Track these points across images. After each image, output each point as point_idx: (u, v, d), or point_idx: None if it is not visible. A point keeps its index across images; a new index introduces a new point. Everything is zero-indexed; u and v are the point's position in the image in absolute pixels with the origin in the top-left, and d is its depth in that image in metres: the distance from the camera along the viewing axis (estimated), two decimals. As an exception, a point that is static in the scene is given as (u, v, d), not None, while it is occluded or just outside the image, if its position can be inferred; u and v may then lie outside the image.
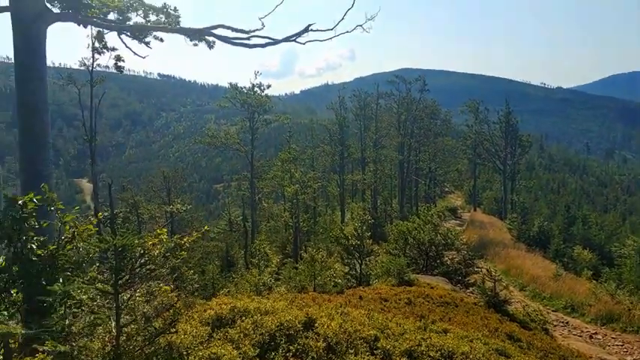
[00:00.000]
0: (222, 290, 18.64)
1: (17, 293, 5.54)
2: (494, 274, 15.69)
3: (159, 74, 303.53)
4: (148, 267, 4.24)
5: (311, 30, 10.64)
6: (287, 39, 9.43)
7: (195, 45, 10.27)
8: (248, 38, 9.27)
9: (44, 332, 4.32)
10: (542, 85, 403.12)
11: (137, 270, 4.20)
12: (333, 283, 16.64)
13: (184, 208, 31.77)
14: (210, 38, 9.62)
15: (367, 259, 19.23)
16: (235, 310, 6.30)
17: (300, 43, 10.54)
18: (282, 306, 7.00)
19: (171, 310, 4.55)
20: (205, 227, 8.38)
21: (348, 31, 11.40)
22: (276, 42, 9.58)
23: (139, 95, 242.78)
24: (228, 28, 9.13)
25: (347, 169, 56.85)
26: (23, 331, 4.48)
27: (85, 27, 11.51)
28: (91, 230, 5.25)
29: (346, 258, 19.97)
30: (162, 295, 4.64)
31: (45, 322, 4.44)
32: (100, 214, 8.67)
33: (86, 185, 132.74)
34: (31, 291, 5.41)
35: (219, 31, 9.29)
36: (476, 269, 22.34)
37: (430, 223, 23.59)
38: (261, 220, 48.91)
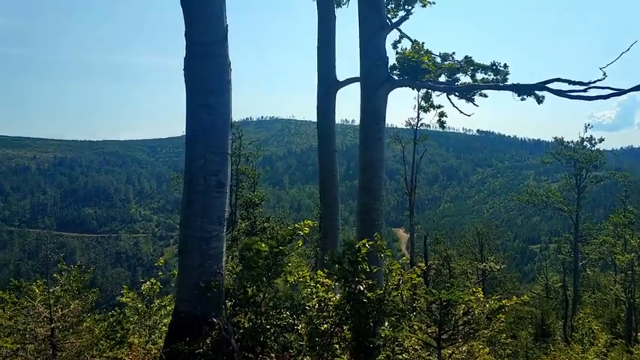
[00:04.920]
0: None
1: (348, 330, 6.14)
2: None
3: (478, 130, 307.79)
4: (471, 326, 4.11)
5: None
6: (637, 88, 8.20)
7: (523, 99, 9.97)
8: (585, 90, 8.49)
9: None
10: None
11: (460, 327, 4.12)
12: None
13: (498, 267, 30.61)
14: (541, 93, 9.22)
15: None
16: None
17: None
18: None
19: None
20: (525, 297, 7.81)
21: None
22: (621, 92, 8.46)
23: (456, 151, 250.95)
24: (565, 81, 8.57)
25: None
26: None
27: (419, 90, 12.68)
28: (415, 280, 5.47)
29: None
30: (481, 357, 4.43)
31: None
32: (423, 265, 9.02)
33: (402, 235, 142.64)
34: (359, 330, 5.91)
35: (553, 85, 8.81)
36: None
37: None
38: (584, 290, 43.13)
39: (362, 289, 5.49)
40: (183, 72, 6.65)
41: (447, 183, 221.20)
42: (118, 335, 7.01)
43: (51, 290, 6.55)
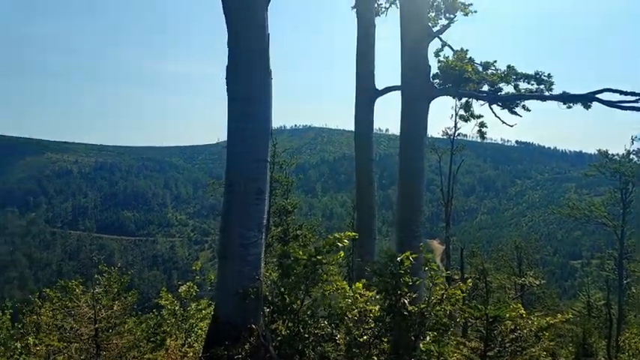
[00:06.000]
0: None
1: (387, 343, 6.04)
2: None
3: (516, 141, 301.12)
4: (519, 343, 3.98)
5: None
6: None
7: (569, 107, 9.69)
8: (637, 101, 8.18)
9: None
10: None
11: (507, 344, 3.99)
12: None
13: (537, 282, 29.72)
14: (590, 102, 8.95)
15: None
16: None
17: None
18: None
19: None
20: (568, 314, 7.51)
21: None
22: (678, 103, 8.13)
23: (494, 162, 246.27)
24: (616, 91, 8.30)
25: None
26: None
27: (460, 99, 12.48)
28: (459, 295, 5.36)
29: None
30: (526, 376, 4.28)
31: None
32: (469, 282, 8.82)
33: (437, 246, 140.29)
34: (399, 343, 5.81)
35: (603, 95, 8.54)
36: None
37: None
38: (629, 309, 41.40)
39: (406, 302, 5.40)
40: (225, 80, 6.75)
41: (484, 194, 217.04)
42: (158, 338, 7.12)
43: (95, 292, 6.70)
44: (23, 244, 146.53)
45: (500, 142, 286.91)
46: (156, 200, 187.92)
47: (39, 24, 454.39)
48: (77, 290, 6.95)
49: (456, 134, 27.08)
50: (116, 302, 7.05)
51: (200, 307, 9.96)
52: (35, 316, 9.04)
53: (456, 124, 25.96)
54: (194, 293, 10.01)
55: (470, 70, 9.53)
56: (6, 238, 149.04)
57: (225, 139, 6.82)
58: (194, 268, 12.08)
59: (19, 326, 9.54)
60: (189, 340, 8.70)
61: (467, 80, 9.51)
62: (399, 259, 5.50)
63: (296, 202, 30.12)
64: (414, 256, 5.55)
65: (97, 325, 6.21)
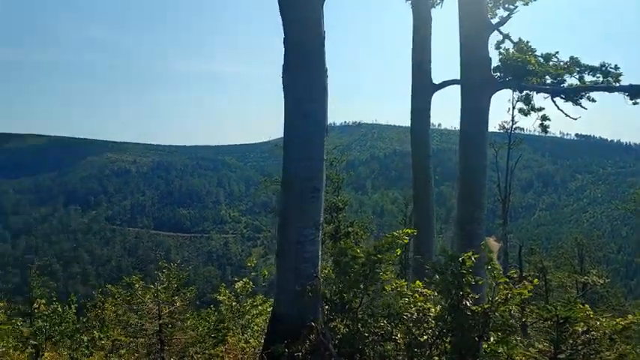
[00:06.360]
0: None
1: (448, 343, 5.91)
2: None
3: (576, 134, 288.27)
4: (592, 346, 3.78)
5: None
6: None
7: (636, 103, 9.16)
8: None
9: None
10: None
11: (580, 348, 3.80)
12: None
13: (601, 281, 28.37)
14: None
15: None
16: None
17: None
18: None
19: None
20: (632, 317, 7.12)
21: None
22: None
23: (552, 156, 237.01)
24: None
25: None
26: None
27: (521, 92, 12.05)
28: (525, 295, 5.16)
29: None
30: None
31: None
32: (536, 281, 8.51)
33: (493, 244, 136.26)
34: (461, 344, 5.67)
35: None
36: None
37: None
38: (703, 311, 38.93)
39: (468, 303, 5.26)
40: (280, 80, 6.79)
41: (543, 190, 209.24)
42: (220, 334, 7.27)
43: (159, 288, 6.91)
44: (85, 240, 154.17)
45: (559, 136, 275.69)
46: (210, 198, 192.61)
47: (100, 29, 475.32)
48: (137, 286, 7.19)
49: (513, 128, 26.26)
50: (177, 298, 7.24)
51: (255, 302, 10.08)
52: (99, 311, 9.43)
53: (513, 117, 25.17)
54: (249, 289, 10.14)
55: (533, 62, 9.14)
56: (69, 235, 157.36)
57: (276, 137, 6.86)
58: (249, 264, 12.26)
59: (84, 320, 9.98)
60: (245, 335, 8.84)
61: (530, 73, 9.14)
62: (461, 258, 5.36)
63: (347, 199, 30.08)
64: (476, 256, 5.40)
65: (161, 321, 6.41)
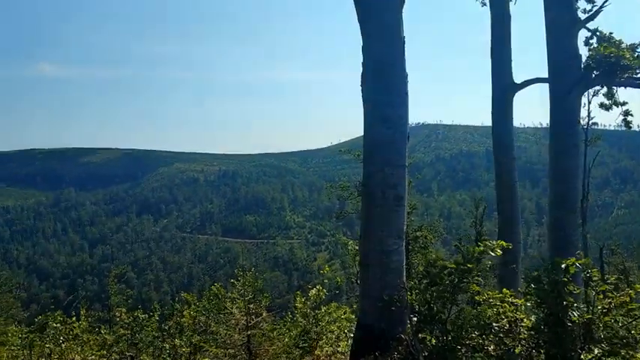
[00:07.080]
0: None
1: (543, 355, 5.61)
2: None
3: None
4: None
5: None
6: None
7: None
8: None
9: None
10: None
11: None
12: None
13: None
14: None
15: None
16: None
17: None
18: None
19: None
20: None
21: None
22: None
23: (630, 151, 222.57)
24: None
25: None
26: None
27: (610, 88, 11.30)
28: (632, 305, 4.80)
29: None
30: None
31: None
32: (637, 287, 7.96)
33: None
34: (560, 356, 5.37)
35: None
36: None
37: None
38: None
39: (572, 314, 4.96)
40: (359, 86, 6.75)
41: (621, 187, 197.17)
42: (306, 345, 7.29)
43: (247, 299, 7.00)
44: (157, 248, 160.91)
45: (637, 130, 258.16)
46: (274, 204, 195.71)
47: (166, 43, 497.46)
48: (220, 293, 7.32)
49: (590, 123, 24.86)
50: (262, 307, 7.33)
51: (330, 310, 10.05)
52: (178, 319, 9.70)
53: (589, 112, 23.83)
54: (323, 297, 10.13)
55: (627, 56, 8.59)
56: (143, 244, 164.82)
57: (337, 142, 6.81)
58: (322, 271, 12.25)
59: (165, 327, 10.30)
60: (320, 342, 8.81)
61: (625, 67, 8.59)
62: (563, 265, 5.06)
63: (414, 202, 29.59)
64: (580, 261, 5.10)
65: (249, 332, 6.50)
